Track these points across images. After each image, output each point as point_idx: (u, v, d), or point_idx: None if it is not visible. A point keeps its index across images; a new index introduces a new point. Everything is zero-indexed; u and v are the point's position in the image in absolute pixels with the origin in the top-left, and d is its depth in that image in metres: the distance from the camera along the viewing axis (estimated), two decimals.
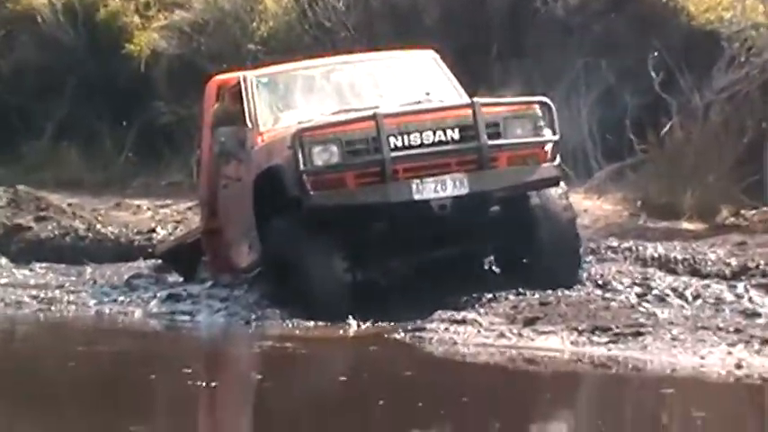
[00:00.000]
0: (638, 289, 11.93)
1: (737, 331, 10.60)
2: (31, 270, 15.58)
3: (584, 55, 16.34)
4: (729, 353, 10.16)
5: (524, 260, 12.32)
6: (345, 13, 18.06)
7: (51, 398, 10.75)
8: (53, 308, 13.66)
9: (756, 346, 10.21)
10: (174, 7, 20.08)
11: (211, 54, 18.14)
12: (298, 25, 18.43)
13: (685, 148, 14.83)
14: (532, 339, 10.96)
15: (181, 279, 14.34)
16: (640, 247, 13.18)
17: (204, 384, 10.93)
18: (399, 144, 11.92)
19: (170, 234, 16.14)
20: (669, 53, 15.36)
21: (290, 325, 11.90)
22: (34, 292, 14.28)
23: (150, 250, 15.78)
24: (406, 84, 13.33)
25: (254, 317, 12.29)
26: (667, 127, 15.23)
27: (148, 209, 17.28)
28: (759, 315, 11.09)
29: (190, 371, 11.43)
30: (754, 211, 13.96)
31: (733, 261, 12.59)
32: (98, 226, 16.67)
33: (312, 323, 11.76)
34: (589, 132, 15.46)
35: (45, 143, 20.66)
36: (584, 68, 16.20)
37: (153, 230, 16.48)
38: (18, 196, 17.25)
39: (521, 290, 11.89)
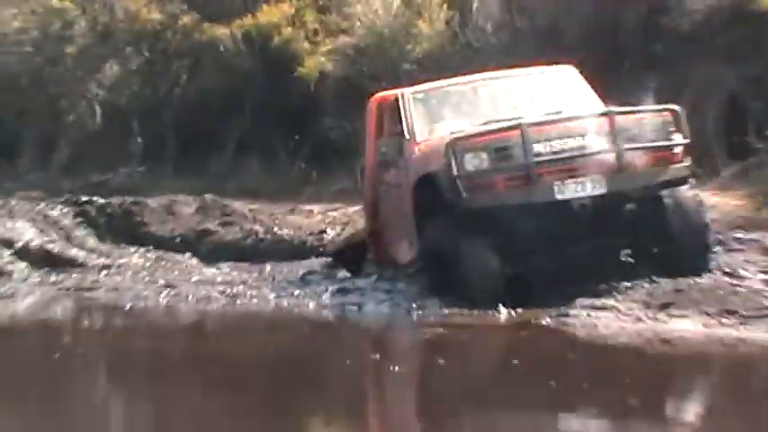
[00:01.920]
0: (763, 276, 11.81)
1: None
2: (217, 269, 15.82)
3: (708, 65, 16.20)
4: None
5: (657, 251, 12.26)
6: (493, 35, 18.07)
7: (261, 374, 11.02)
8: (238, 301, 13.85)
9: None
10: (338, 33, 20.23)
11: (372, 74, 18.26)
12: (449, 46, 18.48)
13: None
14: (666, 322, 10.93)
15: (349, 274, 14.47)
16: (765, 238, 13.07)
17: (396, 368, 11.12)
18: (543, 150, 11.93)
19: (338, 235, 16.27)
20: None
21: (448, 313, 11.93)
22: (221, 288, 14.50)
23: (321, 249, 16.00)
24: (548, 96, 13.34)
25: (415, 306, 12.34)
26: None
27: (319, 213, 17.43)
28: None
29: (378, 356, 11.64)
30: None
31: None
32: (275, 229, 16.88)
33: (467, 311, 11.79)
34: (715, 135, 15.29)
35: (228, 157, 20.94)
36: (709, 77, 16.06)
37: (323, 232, 16.62)
38: (206, 204, 17.54)
39: (655, 278, 11.80)
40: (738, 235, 13.29)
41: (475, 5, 18.66)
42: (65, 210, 17.59)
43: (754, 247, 12.78)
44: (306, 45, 20.39)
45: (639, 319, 11.08)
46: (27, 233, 16.95)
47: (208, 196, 17.80)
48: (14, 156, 21.20)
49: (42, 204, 17.90)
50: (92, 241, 17.15)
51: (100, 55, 21.35)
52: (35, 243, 16.77)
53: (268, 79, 20.46)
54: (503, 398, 9.73)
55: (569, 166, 11.95)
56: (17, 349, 12.99)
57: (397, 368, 11.34)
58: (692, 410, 9.61)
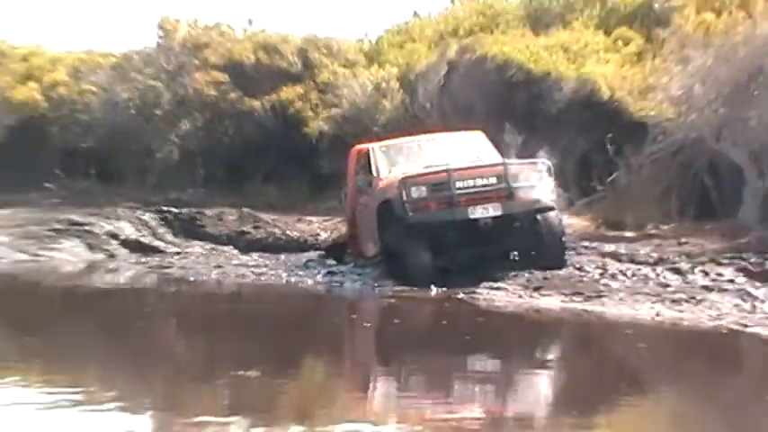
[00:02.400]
0: (599, 270, 11.98)
1: (657, 295, 10.64)
2: (250, 257, 15.80)
3: (569, 134, 16.29)
4: (652, 307, 10.20)
5: (533, 253, 12.36)
6: (431, 110, 18.14)
7: (277, 324, 11.16)
8: (263, 278, 13.89)
9: (668, 304, 10.26)
10: (332, 107, 20.20)
11: (352, 133, 18.19)
12: (402, 117, 18.49)
13: (627, 190, 14.82)
14: (538, 299, 11.08)
15: (334, 263, 14.41)
16: (601, 246, 13.19)
17: (366, 323, 11.45)
18: (461, 186, 12.01)
19: (328, 237, 16.28)
20: (619, 133, 15.32)
21: (398, 289, 11.99)
22: (252, 269, 14.54)
23: (317, 246, 15.95)
24: (465, 150, 13.33)
25: (377, 284, 12.47)
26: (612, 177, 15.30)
27: (316, 222, 17.41)
28: (669, 286, 11.09)
29: (354, 315, 11.83)
30: (666, 226, 13.91)
31: (654, 254, 12.49)
32: (288, 231, 16.90)
33: (410, 289, 11.85)
34: (572, 179, 15.42)
35: (258, 184, 20.77)
36: (569, 142, 16.15)
37: (318, 234, 16.65)
38: (243, 214, 17.55)
39: (531, 270, 11.95)
40: (585, 244, 13.36)
41: (420, 92, 18.75)
42: (152, 215, 17.63)
43: (594, 252, 12.88)
44: (310, 113, 20.38)
45: (521, 296, 11.21)
46: (127, 230, 17.01)
47: (244, 209, 17.83)
48: (121, 180, 21.21)
49: (138, 212, 17.91)
50: (169, 236, 17.15)
51: (177, 116, 21.35)
52: (132, 236, 16.83)
53: (285, 134, 20.43)
54: (434, 342, 9.84)
55: (478, 196, 12.01)
56: (121, 304, 13.03)
57: (366, 323, 11.47)
58: (550, 351, 9.78)
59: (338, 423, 7.39)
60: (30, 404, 7.55)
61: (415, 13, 23.18)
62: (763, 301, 10.12)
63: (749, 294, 10.39)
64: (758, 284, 10.70)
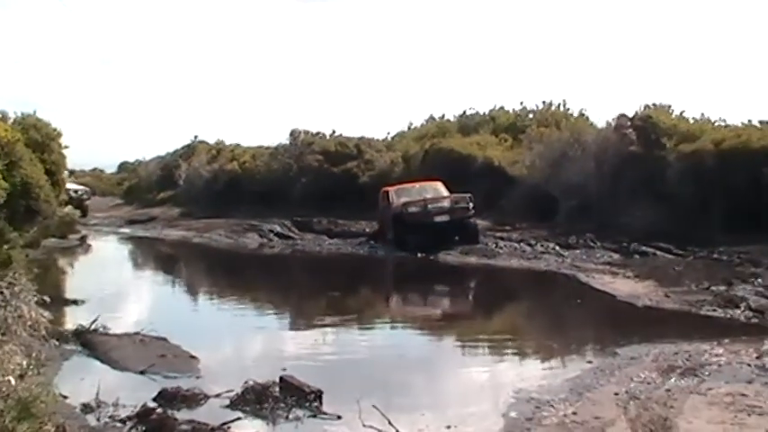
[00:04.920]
0: (494, 245, 11.92)
1: (520, 256, 10.81)
2: (334, 240, 15.14)
3: (480, 183, 15.68)
4: (520, 261, 10.45)
5: (464, 237, 12.17)
6: (416, 172, 17.92)
7: (346, 269, 11.24)
8: (340, 249, 13.80)
9: (525, 260, 10.49)
10: (371, 171, 19.66)
11: (381, 184, 17.30)
12: (403, 175, 18.11)
13: (507, 208, 14.71)
14: (466, 258, 11.15)
15: (373, 243, 13.97)
16: (494, 234, 12.87)
17: (392, 266, 11.50)
18: (432, 207, 12.13)
19: (370, 231, 15.58)
20: (502, 183, 14.96)
21: (402, 255, 11.89)
22: (335, 246, 14.32)
23: (365, 235, 15.17)
24: (434, 190, 13.20)
25: (393, 252, 12.35)
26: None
27: (364, 224, 15.79)
28: (525, 251, 11.20)
29: (387, 265, 11.81)
30: (525, 224, 13.58)
31: (520, 237, 12.39)
32: (351, 229, 15.98)
33: (409, 254, 11.73)
34: (481, 203, 15.03)
35: (336, 207, 17.94)
36: (479, 187, 15.68)
37: (365, 230, 15.80)
38: (330, 221, 16.51)
39: (463, 245, 11.82)
40: (488, 233, 13.19)
41: (412, 164, 18.60)
42: (289, 222, 17.31)
43: (491, 236, 12.65)
44: (361, 173, 19.89)
45: (458, 258, 11.23)
46: (278, 228, 16.50)
47: (330, 218, 17.28)
48: (274, 206, 19.55)
49: (282, 221, 17.59)
50: (296, 231, 16.40)
51: (299, 176, 20.77)
52: (280, 231, 16.65)
53: (349, 184, 19.45)
54: (420, 278, 10.03)
55: (439, 211, 12.06)
56: (276, 261, 13.24)
57: (390, 267, 11.57)
58: (472, 281, 10.02)
59: (376, 319, 7.76)
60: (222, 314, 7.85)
61: (409, 126, 23.39)
62: (566, 258, 10.44)
63: (561, 255, 10.69)
64: (565, 250, 10.98)
